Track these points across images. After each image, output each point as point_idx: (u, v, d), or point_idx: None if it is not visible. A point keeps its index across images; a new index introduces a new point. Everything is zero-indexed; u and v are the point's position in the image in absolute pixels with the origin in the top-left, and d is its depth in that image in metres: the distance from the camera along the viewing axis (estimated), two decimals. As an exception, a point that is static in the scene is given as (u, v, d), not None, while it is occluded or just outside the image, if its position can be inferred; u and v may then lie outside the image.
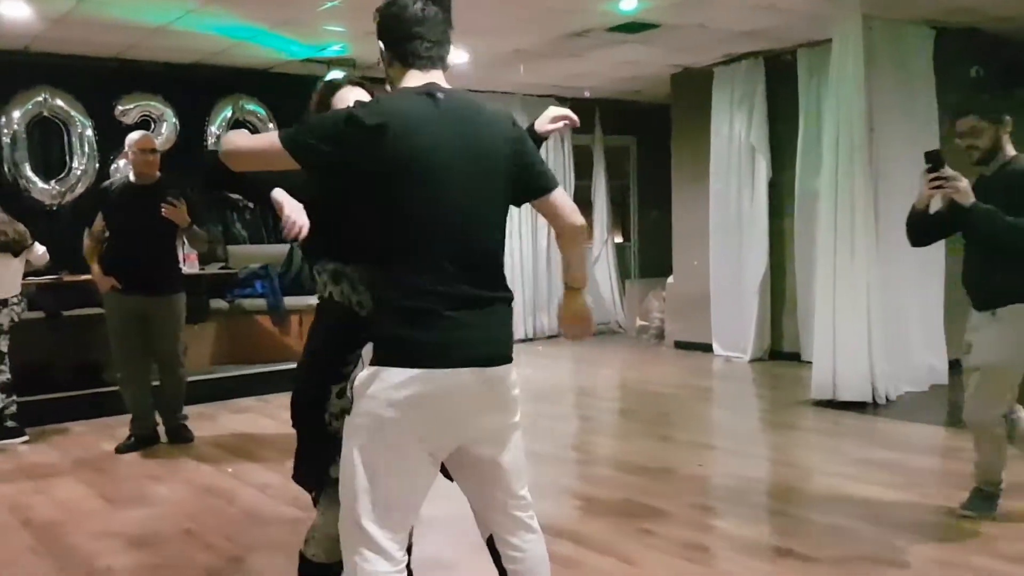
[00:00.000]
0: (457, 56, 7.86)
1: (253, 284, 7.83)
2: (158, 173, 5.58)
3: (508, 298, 2.17)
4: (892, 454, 5.10)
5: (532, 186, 2.22)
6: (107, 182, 6.13)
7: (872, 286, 6.26)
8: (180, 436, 5.79)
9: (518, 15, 6.57)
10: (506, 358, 2.14)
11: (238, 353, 7.64)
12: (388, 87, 2.24)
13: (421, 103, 2.08)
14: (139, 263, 5.42)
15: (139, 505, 4.59)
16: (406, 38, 2.15)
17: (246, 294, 7.80)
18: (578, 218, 2.28)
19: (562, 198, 2.25)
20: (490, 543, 2.30)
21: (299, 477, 2.59)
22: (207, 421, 6.49)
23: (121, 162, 7.55)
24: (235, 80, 8.25)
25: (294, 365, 8.60)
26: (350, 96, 2.46)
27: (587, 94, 9.99)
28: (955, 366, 7.04)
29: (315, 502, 2.56)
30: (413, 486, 2.11)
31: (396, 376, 2.00)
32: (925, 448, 5.38)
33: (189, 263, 7.27)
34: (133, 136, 5.60)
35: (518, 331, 10.04)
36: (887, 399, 6.38)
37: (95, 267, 5.53)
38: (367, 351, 2.08)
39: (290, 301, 7.80)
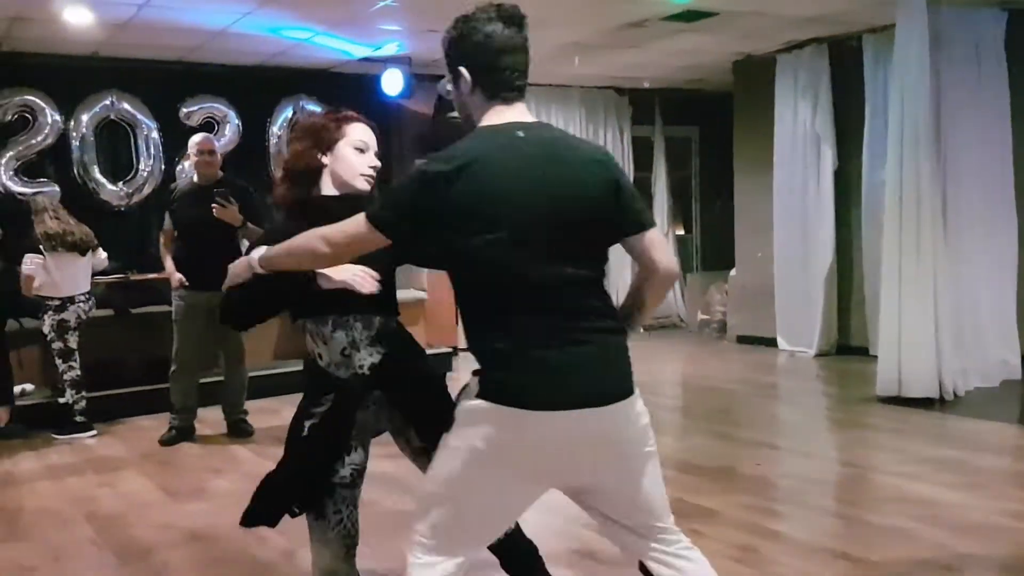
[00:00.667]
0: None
1: (314, 281, 7.94)
2: (219, 173, 5.78)
3: (611, 329, 2.05)
4: (958, 453, 4.93)
5: (626, 223, 2.07)
6: (174, 184, 6.34)
7: (939, 278, 6.04)
8: (240, 430, 5.92)
9: (571, 7, 6.51)
10: (616, 395, 2.00)
11: (300, 348, 7.72)
12: (456, 114, 2.15)
13: (502, 142, 1.99)
14: (204, 260, 5.57)
15: (199, 498, 4.70)
16: (496, 68, 2.02)
17: (308, 290, 7.91)
18: (674, 262, 2.15)
19: (659, 238, 2.12)
20: (642, 567, 2.16)
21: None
22: (269, 415, 6.60)
23: (186, 163, 7.73)
24: (296, 81, 8.37)
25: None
26: (357, 130, 2.49)
27: (647, 85, 9.88)
28: (1030, 360, 6.82)
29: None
30: (491, 515, 2.09)
31: (491, 412, 1.95)
32: (993, 447, 5.17)
33: (251, 261, 7.40)
34: (194, 138, 5.83)
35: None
36: (955, 395, 6.16)
37: (168, 264, 5.77)
38: (473, 382, 2.01)
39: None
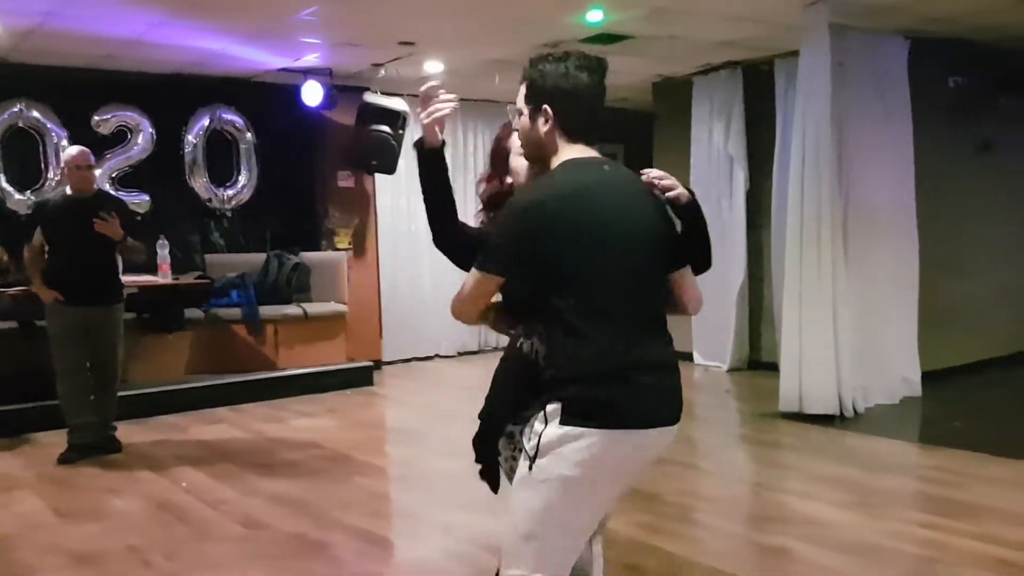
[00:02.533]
0: (432, 66, 7.87)
1: (229, 293, 7.84)
2: (95, 187, 5.76)
3: (674, 359, 2.23)
4: (852, 471, 5.06)
5: (678, 255, 2.26)
6: (45, 196, 6.18)
7: (839, 296, 6.22)
8: (111, 447, 5.83)
9: (489, 26, 6.56)
10: (680, 417, 2.19)
11: (213, 362, 7.64)
12: (520, 139, 2.31)
13: (591, 174, 2.17)
14: (79, 275, 5.53)
15: (91, 520, 4.61)
16: (582, 114, 2.20)
17: (222, 303, 7.81)
18: (701, 297, 2.35)
19: (691, 275, 2.31)
20: None
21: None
22: (178, 432, 6.52)
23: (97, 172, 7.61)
24: (213, 89, 8.23)
25: (269, 374, 8.45)
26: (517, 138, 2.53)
27: (570, 102, 9.96)
28: (928, 378, 7.03)
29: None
30: (582, 537, 2.21)
31: (588, 436, 2.03)
32: (887, 465, 5.30)
33: (162, 272, 7.28)
34: (70, 151, 5.75)
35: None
36: (856, 411, 6.32)
37: (36, 280, 5.62)
38: (552, 410, 2.08)
39: (266, 311, 7.83)
